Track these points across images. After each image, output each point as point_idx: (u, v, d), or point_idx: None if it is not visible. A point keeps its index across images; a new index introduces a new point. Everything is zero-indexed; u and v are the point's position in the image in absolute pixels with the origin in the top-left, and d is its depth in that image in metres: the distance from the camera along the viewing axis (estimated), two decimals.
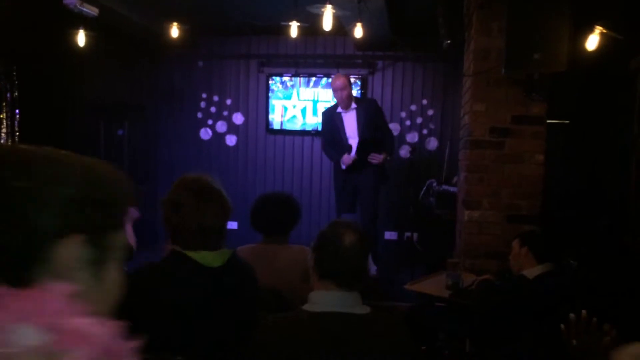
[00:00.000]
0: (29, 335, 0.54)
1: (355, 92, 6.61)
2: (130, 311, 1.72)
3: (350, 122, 5.02)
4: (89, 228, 0.67)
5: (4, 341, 0.53)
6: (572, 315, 1.73)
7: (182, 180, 1.77)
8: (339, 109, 5.07)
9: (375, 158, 4.83)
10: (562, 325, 1.74)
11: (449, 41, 4.73)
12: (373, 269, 4.48)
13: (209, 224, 1.70)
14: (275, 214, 2.57)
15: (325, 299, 1.60)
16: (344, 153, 4.95)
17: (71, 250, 0.65)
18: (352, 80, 6.67)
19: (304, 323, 1.56)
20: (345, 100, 4.96)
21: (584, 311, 1.71)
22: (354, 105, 5.02)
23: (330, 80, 6.56)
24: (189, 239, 1.70)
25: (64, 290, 0.60)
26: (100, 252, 0.69)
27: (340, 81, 4.94)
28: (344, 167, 4.94)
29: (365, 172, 4.92)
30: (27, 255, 0.62)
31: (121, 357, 0.60)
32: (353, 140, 4.99)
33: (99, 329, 0.58)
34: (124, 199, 0.73)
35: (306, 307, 1.62)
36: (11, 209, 0.62)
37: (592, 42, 4.27)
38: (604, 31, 4.15)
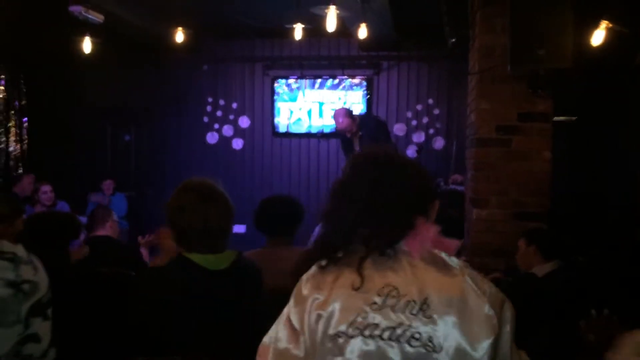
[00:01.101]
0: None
1: (360, 93, 6.63)
2: (139, 315, 1.72)
3: (358, 145, 5.22)
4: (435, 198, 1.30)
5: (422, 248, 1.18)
6: (593, 311, 1.75)
7: (186, 183, 1.79)
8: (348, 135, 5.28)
9: None
10: (582, 322, 1.77)
11: (453, 39, 4.72)
12: None
13: (213, 225, 1.71)
14: (278, 215, 2.59)
15: None
16: None
17: (435, 208, 1.28)
18: (357, 81, 6.71)
19: None
20: (353, 135, 5.16)
21: (605, 310, 1.74)
22: (360, 133, 5.18)
23: (335, 81, 6.61)
24: (195, 241, 1.71)
25: (438, 229, 1.21)
26: None
27: (345, 124, 5.08)
28: None
29: None
30: (425, 207, 1.26)
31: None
32: None
33: (450, 241, 1.22)
34: (430, 181, 1.35)
35: None
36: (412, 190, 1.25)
37: (598, 37, 4.23)
38: (610, 25, 4.12)
